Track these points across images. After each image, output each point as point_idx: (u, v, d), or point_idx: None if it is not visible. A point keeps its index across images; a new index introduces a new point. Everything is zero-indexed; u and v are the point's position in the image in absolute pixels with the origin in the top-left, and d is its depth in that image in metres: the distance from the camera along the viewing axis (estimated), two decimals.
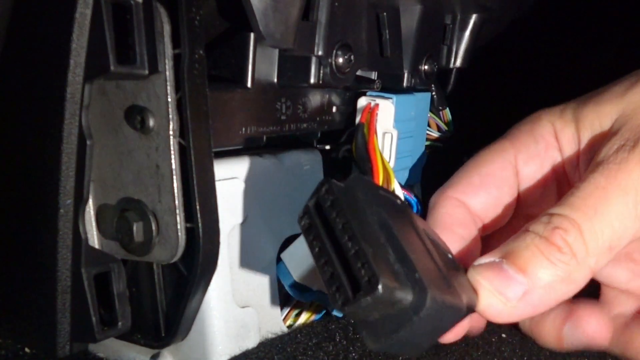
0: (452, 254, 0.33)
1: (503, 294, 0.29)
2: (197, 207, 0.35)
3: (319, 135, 0.48)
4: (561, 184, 0.38)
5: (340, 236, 0.28)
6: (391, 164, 0.48)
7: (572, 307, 0.37)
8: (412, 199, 0.50)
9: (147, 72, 0.33)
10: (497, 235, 0.38)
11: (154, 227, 0.36)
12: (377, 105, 0.47)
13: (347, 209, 0.28)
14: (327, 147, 0.50)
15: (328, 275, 0.28)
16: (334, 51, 0.43)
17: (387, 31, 0.49)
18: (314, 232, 0.29)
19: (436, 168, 0.56)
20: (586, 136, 0.35)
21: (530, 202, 0.38)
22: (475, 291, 0.30)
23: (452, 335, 0.33)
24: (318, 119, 0.48)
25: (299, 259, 0.42)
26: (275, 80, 0.44)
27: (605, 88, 0.36)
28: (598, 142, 0.34)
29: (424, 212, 0.52)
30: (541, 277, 0.29)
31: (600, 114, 0.35)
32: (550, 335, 0.37)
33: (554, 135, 0.37)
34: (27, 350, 0.40)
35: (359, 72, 0.47)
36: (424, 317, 0.27)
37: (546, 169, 0.37)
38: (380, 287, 0.26)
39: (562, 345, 0.37)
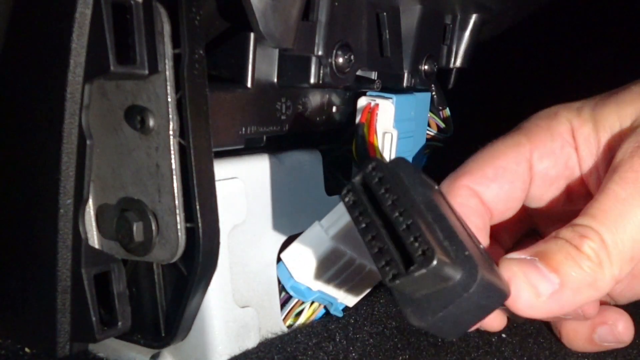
0: (481, 243, 0.33)
1: (536, 288, 0.31)
2: (197, 207, 0.35)
3: (319, 135, 0.48)
4: (572, 182, 0.38)
5: (390, 212, 0.28)
6: None
7: (601, 313, 0.39)
8: None
9: (147, 72, 0.33)
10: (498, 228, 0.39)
11: (154, 227, 0.35)
12: (377, 105, 0.47)
13: (395, 186, 0.29)
14: (327, 147, 0.50)
15: (376, 250, 0.28)
16: (334, 51, 0.43)
17: (387, 31, 0.49)
18: (360, 208, 0.29)
19: (436, 168, 0.56)
20: (605, 137, 0.36)
21: (536, 197, 0.38)
22: (506, 282, 0.31)
23: (493, 323, 0.37)
24: (318, 119, 0.48)
25: (299, 259, 0.42)
26: (275, 80, 0.44)
27: (624, 88, 0.36)
28: (617, 144, 0.34)
29: None
30: (571, 279, 0.31)
31: (621, 116, 0.35)
32: (582, 338, 0.40)
33: (571, 133, 0.37)
34: (27, 350, 0.40)
35: (359, 72, 0.47)
36: (473, 295, 0.27)
37: (559, 166, 0.37)
38: (435, 260, 0.26)
39: (592, 347, 0.40)
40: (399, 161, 0.32)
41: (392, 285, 0.27)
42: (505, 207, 0.37)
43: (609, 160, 0.35)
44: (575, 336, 0.40)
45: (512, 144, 0.37)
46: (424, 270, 0.26)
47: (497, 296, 0.29)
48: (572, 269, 0.31)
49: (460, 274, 0.27)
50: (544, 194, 0.38)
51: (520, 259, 0.31)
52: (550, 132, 0.37)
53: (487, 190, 0.36)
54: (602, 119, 0.36)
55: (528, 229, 0.42)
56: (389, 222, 0.28)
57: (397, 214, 0.28)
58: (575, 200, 0.38)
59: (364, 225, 0.29)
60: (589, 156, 0.37)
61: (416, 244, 0.27)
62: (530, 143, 0.37)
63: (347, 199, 0.30)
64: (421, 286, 0.27)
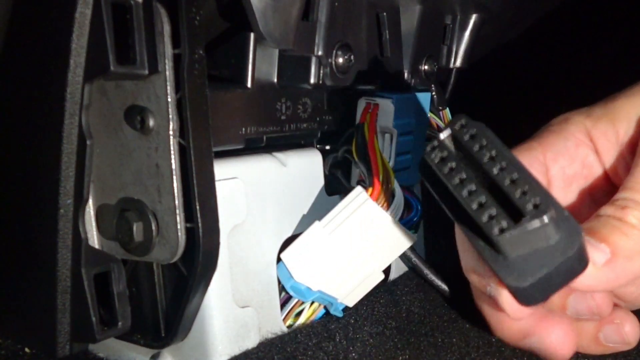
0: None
1: (590, 257, 0.31)
2: (197, 207, 0.35)
3: (319, 135, 0.48)
4: (593, 180, 0.39)
5: (491, 167, 0.27)
6: (391, 164, 0.48)
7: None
8: (412, 199, 0.50)
9: (147, 72, 0.33)
10: None
11: (153, 227, 0.35)
12: (376, 105, 0.47)
13: (489, 143, 0.28)
14: (327, 147, 0.50)
15: (476, 205, 0.27)
16: (334, 51, 0.43)
17: (387, 31, 0.49)
18: (451, 163, 0.28)
19: None
20: (623, 127, 0.37)
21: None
22: None
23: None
24: (318, 119, 0.48)
25: (299, 259, 0.42)
26: (275, 80, 0.44)
27: (632, 85, 0.37)
28: (639, 128, 0.35)
29: (423, 213, 0.52)
30: (621, 247, 0.31)
31: (636, 105, 0.36)
32: (588, 337, 0.40)
33: (584, 133, 0.38)
34: (27, 350, 0.40)
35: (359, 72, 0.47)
36: (571, 258, 0.27)
37: (576, 165, 0.38)
38: (548, 212, 0.25)
39: (597, 347, 0.40)
40: (480, 124, 0.31)
41: (499, 240, 0.26)
42: None
43: (634, 145, 0.35)
44: (581, 335, 0.40)
45: (523, 149, 0.38)
46: (536, 223, 0.25)
47: (585, 262, 0.29)
48: (620, 238, 0.31)
49: (563, 233, 0.27)
50: (565, 196, 0.39)
51: None
52: (562, 133, 0.38)
53: None
54: (616, 111, 0.37)
55: None
56: (487, 177, 0.27)
57: (498, 169, 0.27)
58: (599, 200, 0.38)
59: (457, 181, 0.28)
60: (610, 149, 0.37)
61: (525, 197, 0.26)
62: (541, 146, 0.38)
63: (433, 156, 0.29)
64: (525, 242, 0.27)
